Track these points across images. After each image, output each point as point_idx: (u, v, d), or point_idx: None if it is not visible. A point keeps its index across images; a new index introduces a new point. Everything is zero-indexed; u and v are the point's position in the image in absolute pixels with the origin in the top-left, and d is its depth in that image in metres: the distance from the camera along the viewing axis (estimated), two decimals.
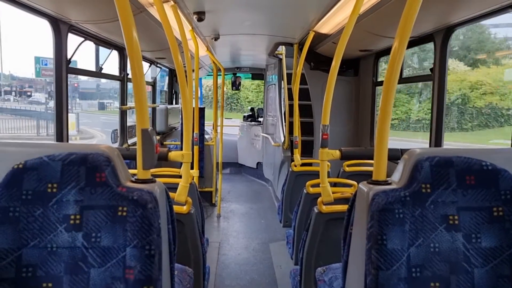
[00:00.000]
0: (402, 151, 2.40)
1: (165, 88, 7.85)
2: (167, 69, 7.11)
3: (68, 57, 3.10)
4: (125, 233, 1.27)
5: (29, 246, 1.27)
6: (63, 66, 3.04)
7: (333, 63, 2.44)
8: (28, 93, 33.95)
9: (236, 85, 8.99)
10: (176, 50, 2.42)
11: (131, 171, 1.54)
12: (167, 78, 7.54)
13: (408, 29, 1.42)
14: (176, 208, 2.43)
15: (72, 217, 1.29)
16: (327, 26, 3.63)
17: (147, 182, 1.44)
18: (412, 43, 3.61)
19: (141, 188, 1.34)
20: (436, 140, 3.26)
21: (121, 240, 1.27)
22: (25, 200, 1.28)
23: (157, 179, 1.52)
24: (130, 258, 1.26)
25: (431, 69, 3.28)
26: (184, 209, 2.44)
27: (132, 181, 1.41)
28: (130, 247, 1.26)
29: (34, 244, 1.28)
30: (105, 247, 1.28)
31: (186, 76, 2.64)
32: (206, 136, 6.66)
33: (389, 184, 1.45)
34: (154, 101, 6.37)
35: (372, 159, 1.64)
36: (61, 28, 2.98)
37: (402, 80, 4.18)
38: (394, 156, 2.36)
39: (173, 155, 2.37)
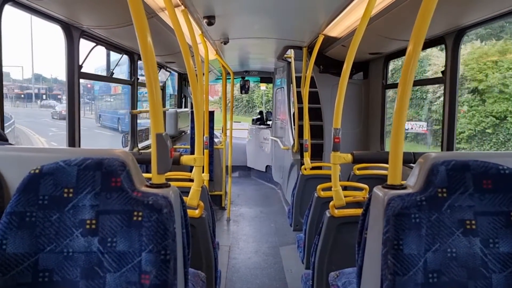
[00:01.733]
0: (415, 155, 2.38)
1: (171, 91, 7.91)
2: (176, 73, 7.15)
3: (80, 62, 3.13)
4: (140, 238, 1.28)
5: (45, 251, 1.28)
6: (75, 71, 3.07)
7: (344, 66, 2.43)
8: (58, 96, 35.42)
9: (245, 89, 9.01)
10: (188, 54, 2.44)
11: (144, 175, 1.55)
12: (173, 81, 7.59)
13: (423, 30, 1.41)
14: (188, 212, 2.43)
15: (88, 221, 1.29)
16: (336, 29, 3.63)
17: (161, 186, 1.44)
18: (423, 46, 3.58)
19: (156, 192, 1.34)
20: (448, 144, 3.23)
21: (137, 245, 1.28)
22: (42, 205, 1.29)
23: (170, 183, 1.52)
24: (146, 263, 1.26)
25: (443, 72, 3.26)
26: (196, 213, 2.45)
27: (147, 186, 1.42)
28: (146, 252, 1.26)
29: (50, 249, 1.28)
30: (120, 252, 1.28)
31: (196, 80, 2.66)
32: (216, 140, 6.68)
33: (405, 188, 1.44)
34: (163, 105, 6.40)
35: (384, 162, 1.64)
36: (73, 34, 3.01)
37: (414, 83, 4.15)
38: (407, 159, 2.34)
39: (185, 159, 2.38)
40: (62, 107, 24.87)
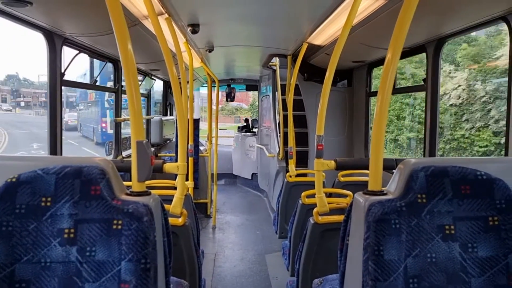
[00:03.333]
0: (397, 161, 2.40)
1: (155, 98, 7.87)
2: (162, 81, 7.12)
3: (63, 69, 3.10)
4: (120, 247, 1.26)
5: (22, 261, 1.26)
6: (57, 79, 3.04)
7: (327, 74, 2.45)
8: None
9: (231, 97, 9.01)
10: (171, 62, 2.43)
11: (126, 183, 1.53)
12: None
13: (401, 40, 1.44)
14: (171, 220, 2.41)
15: (67, 231, 1.27)
16: (320, 37, 3.67)
17: (142, 194, 1.43)
18: (405, 54, 3.65)
19: (136, 200, 1.33)
20: (431, 150, 3.28)
21: (116, 254, 1.26)
22: (19, 214, 1.27)
23: (152, 191, 1.51)
24: (125, 272, 1.24)
25: (424, 80, 3.32)
26: (179, 221, 2.43)
27: (127, 194, 1.40)
28: (125, 261, 1.25)
29: (27, 259, 1.26)
30: (100, 261, 1.26)
31: (180, 88, 2.65)
32: (201, 148, 6.65)
33: (385, 194, 1.45)
34: (148, 113, 6.37)
35: (366, 169, 1.65)
36: (55, 41, 2.98)
37: (395, 91, 4.22)
38: (389, 166, 2.37)
39: (168, 166, 2.36)
40: (69, 115, 22.54)
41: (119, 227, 1.27)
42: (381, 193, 1.46)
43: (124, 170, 2.03)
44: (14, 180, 1.29)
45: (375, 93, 4.77)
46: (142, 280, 1.24)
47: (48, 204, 1.28)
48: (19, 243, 1.26)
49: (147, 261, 1.26)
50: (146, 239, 1.27)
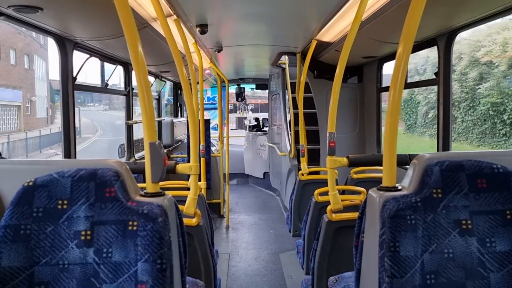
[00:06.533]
0: (411, 157, 2.37)
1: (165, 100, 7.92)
2: (172, 83, 7.17)
3: (74, 74, 3.13)
4: (136, 248, 1.27)
5: (40, 264, 1.27)
6: (69, 83, 3.07)
7: (337, 70, 2.44)
8: None
9: (241, 97, 9.02)
10: (181, 64, 2.44)
11: (140, 185, 1.54)
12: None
13: (412, 33, 1.42)
14: (185, 220, 2.42)
15: (83, 233, 1.29)
16: (329, 34, 3.65)
17: (156, 195, 1.44)
18: (415, 48, 3.61)
19: (151, 201, 1.34)
20: (444, 145, 3.24)
21: (132, 255, 1.27)
22: (36, 218, 1.29)
23: (166, 192, 1.52)
24: (142, 273, 1.25)
25: (436, 74, 3.27)
26: (193, 221, 2.44)
27: (142, 195, 1.41)
28: (142, 262, 1.26)
29: (45, 261, 1.28)
30: (116, 262, 1.27)
31: (191, 89, 2.65)
32: (212, 148, 6.67)
33: (399, 190, 1.44)
34: (159, 115, 6.41)
35: (379, 165, 1.63)
36: (66, 46, 3.02)
37: (407, 85, 4.17)
38: (403, 161, 2.34)
39: (181, 167, 2.37)
40: None
41: (135, 228, 1.28)
42: (396, 189, 1.45)
43: (138, 172, 2.05)
44: (31, 184, 1.31)
45: (386, 89, 4.73)
46: (159, 280, 1.25)
47: (65, 207, 1.30)
48: (37, 246, 1.28)
49: (163, 261, 1.26)
50: (161, 239, 1.28)
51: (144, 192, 1.45)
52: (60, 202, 1.30)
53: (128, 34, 1.40)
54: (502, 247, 1.32)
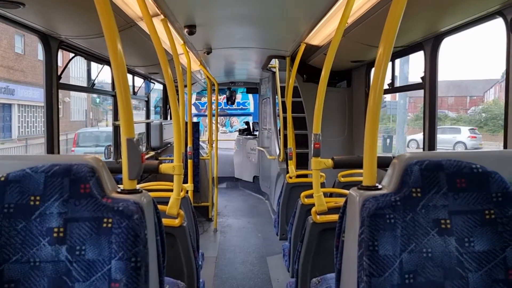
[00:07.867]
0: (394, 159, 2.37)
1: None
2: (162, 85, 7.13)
3: (59, 72, 3.09)
4: (110, 245, 1.24)
5: (11, 261, 1.24)
6: (53, 82, 3.03)
7: (323, 72, 2.44)
8: None
9: (231, 100, 9.01)
10: (166, 65, 2.42)
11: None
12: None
13: (391, 37, 1.42)
14: (168, 221, 2.39)
15: (56, 230, 1.26)
16: (317, 37, 3.66)
17: (133, 192, 1.41)
18: (402, 52, 3.63)
19: (127, 198, 1.31)
20: (430, 148, 3.26)
21: (106, 253, 1.24)
22: (7, 214, 1.25)
23: (150, 193, 1.49)
24: (116, 271, 1.22)
25: (422, 78, 3.29)
26: (176, 222, 2.40)
27: (118, 192, 1.39)
28: (115, 260, 1.23)
29: (16, 259, 1.24)
30: (89, 260, 1.24)
31: (178, 91, 2.62)
32: (201, 151, 6.64)
33: (380, 189, 1.43)
34: (148, 117, 6.37)
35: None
36: (51, 44, 2.98)
37: (394, 89, 4.20)
38: (387, 163, 2.34)
39: (164, 167, 2.35)
40: None
41: (109, 225, 1.26)
42: (376, 188, 1.44)
43: (119, 171, 2.02)
44: (2, 179, 1.27)
45: None
46: (133, 278, 1.22)
47: (37, 203, 1.27)
48: (7, 243, 1.24)
49: (138, 259, 1.24)
50: (137, 237, 1.25)
51: (121, 189, 1.42)
52: (32, 198, 1.27)
53: (107, 28, 1.38)
54: (480, 247, 1.32)
